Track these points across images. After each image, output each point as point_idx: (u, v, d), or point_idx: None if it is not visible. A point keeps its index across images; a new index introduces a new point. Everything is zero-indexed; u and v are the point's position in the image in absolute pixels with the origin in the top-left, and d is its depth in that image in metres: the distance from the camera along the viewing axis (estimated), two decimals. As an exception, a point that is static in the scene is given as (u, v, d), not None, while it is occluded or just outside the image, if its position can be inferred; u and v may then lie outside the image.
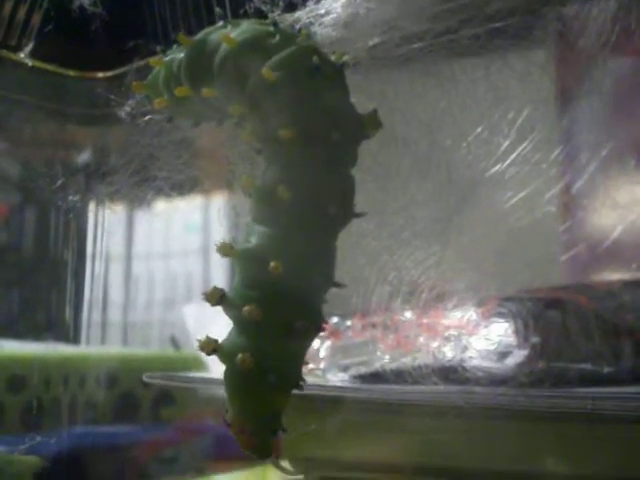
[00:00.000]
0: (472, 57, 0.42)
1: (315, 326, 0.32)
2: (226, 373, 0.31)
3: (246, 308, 0.30)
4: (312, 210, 0.31)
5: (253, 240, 0.32)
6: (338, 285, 0.33)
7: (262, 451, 0.32)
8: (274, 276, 0.30)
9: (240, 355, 0.30)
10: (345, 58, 0.33)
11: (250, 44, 0.33)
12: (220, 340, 0.31)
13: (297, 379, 0.32)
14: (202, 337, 0.31)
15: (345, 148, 0.32)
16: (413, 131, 0.41)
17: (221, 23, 0.35)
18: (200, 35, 0.35)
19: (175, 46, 0.35)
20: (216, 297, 0.31)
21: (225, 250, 0.32)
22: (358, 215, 0.32)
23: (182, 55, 0.34)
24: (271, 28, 0.33)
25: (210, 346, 0.31)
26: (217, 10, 0.35)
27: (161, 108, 0.37)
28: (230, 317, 0.32)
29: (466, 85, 0.41)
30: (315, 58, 0.32)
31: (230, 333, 0.32)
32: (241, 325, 0.31)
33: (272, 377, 0.31)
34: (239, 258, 0.32)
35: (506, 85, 0.41)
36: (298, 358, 0.32)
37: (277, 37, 0.33)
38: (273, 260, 0.30)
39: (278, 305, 0.31)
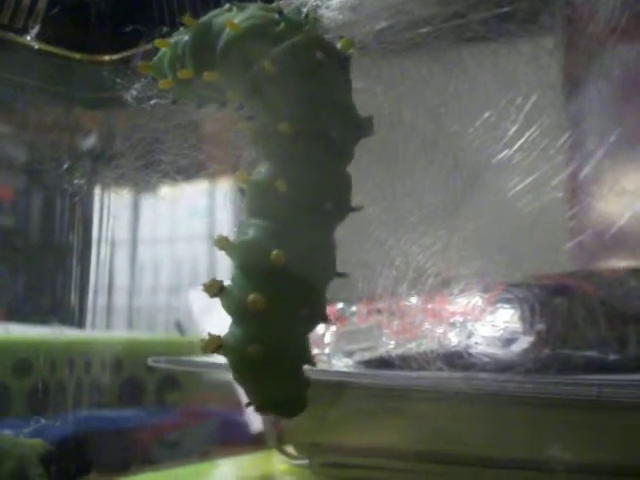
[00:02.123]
0: (480, 42, 0.41)
1: (319, 314, 0.32)
2: (235, 365, 0.31)
3: (251, 297, 0.30)
4: (309, 204, 0.31)
5: (250, 233, 0.31)
6: (342, 275, 0.33)
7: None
8: (276, 266, 0.30)
9: (250, 347, 0.30)
10: (351, 51, 0.33)
11: (254, 31, 0.33)
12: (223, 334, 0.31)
13: (308, 358, 0.32)
14: (203, 336, 0.31)
15: (342, 145, 0.32)
16: (420, 116, 0.41)
17: (227, 6, 0.34)
18: (206, 18, 0.34)
19: (181, 28, 0.35)
20: (216, 288, 0.31)
21: (222, 243, 0.32)
22: (354, 209, 0.32)
23: (187, 37, 0.34)
24: (276, 15, 0.33)
25: (214, 343, 0.31)
26: None
27: (165, 89, 0.37)
28: (228, 309, 0.32)
29: (474, 70, 0.41)
30: (319, 54, 0.32)
31: (230, 327, 0.32)
32: (243, 316, 0.31)
33: (284, 363, 0.31)
34: (237, 251, 0.32)
35: (514, 70, 0.41)
36: (305, 341, 0.33)
37: (282, 25, 0.33)
38: (274, 250, 0.30)
39: (282, 294, 0.31)
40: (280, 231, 0.31)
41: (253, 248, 0.31)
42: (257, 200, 0.32)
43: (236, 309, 0.31)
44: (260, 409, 0.32)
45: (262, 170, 0.32)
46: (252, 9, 0.34)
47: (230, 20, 0.33)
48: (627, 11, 0.37)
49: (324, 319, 0.32)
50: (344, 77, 0.33)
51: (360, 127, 0.33)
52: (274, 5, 0.34)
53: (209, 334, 0.31)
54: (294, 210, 0.31)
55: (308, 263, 0.32)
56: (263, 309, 0.30)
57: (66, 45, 0.53)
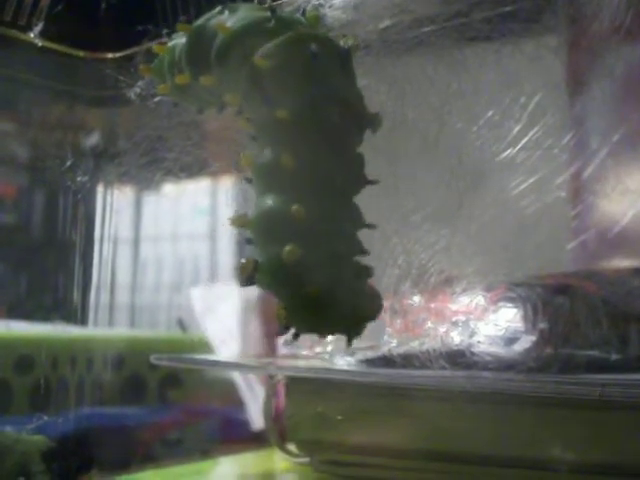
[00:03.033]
0: (483, 41, 0.41)
1: (358, 250, 0.32)
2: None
3: (286, 249, 0.30)
4: (318, 176, 0.31)
5: (266, 204, 0.31)
6: (369, 226, 0.33)
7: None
8: (299, 219, 0.30)
9: (307, 288, 0.30)
10: (351, 42, 0.33)
11: (245, 32, 0.33)
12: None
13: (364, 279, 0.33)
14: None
15: (346, 129, 0.32)
16: (424, 115, 0.41)
17: (219, 8, 0.34)
18: (200, 21, 0.34)
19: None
20: (251, 265, 0.31)
21: (240, 221, 0.32)
22: (371, 182, 0.32)
23: (183, 42, 0.35)
24: (268, 13, 0.33)
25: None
26: None
27: (164, 94, 0.37)
28: (267, 282, 0.31)
29: (477, 69, 0.41)
30: (313, 45, 0.32)
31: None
32: (285, 277, 0.31)
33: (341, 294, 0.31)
34: (257, 221, 0.32)
35: (517, 69, 0.41)
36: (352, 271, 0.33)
37: (273, 22, 0.33)
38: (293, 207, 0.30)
39: (313, 241, 0.31)
40: (294, 198, 0.31)
41: (273, 213, 0.31)
42: (265, 179, 0.32)
43: (274, 276, 0.31)
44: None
45: (265, 153, 0.32)
46: (244, 10, 0.34)
47: (222, 24, 0.33)
48: (631, 10, 0.37)
49: (364, 252, 0.33)
50: (345, 69, 0.33)
51: (365, 117, 0.33)
52: (266, 5, 0.34)
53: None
54: (304, 182, 0.31)
55: (328, 219, 0.31)
56: (300, 258, 0.30)
57: (69, 42, 0.53)
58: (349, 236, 0.32)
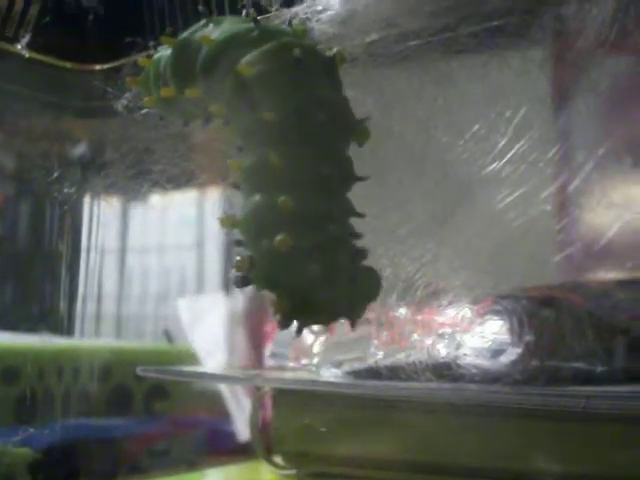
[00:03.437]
0: (470, 55, 0.42)
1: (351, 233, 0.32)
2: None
3: (279, 238, 0.30)
4: (305, 172, 0.31)
5: (253, 203, 0.31)
6: (359, 215, 0.32)
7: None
8: (286, 210, 0.30)
9: (307, 268, 0.30)
10: (335, 50, 0.33)
11: (229, 43, 0.33)
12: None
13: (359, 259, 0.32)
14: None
15: (332, 129, 0.32)
16: (410, 128, 0.41)
17: (204, 22, 0.35)
18: (184, 34, 0.34)
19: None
20: (247, 263, 0.31)
21: (230, 221, 0.32)
22: (360, 179, 0.32)
23: (168, 55, 0.35)
24: (251, 25, 0.33)
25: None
26: (200, 8, 0.35)
27: (149, 107, 0.37)
28: (263, 278, 0.31)
29: (463, 83, 0.41)
30: (297, 51, 0.32)
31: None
32: (280, 266, 0.31)
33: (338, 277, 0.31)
34: (246, 220, 0.32)
35: (503, 83, 0.41)
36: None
37: (256, 33, 0.33)
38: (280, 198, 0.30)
39: (304, 230, 0.31)
40: (282, 193, 0.31)
41: (261, 209, 0.31)
42: (253, 180, 0.32)
43: (269, 269, 0.31)
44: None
45: (252, 155, 0.32)
46: (228, 22, 0.34)
47: (206, 36, 0.33)
48: (615, 25, 0.37)
49: (357, 235, 0.32)
50: (330, 76, 0.33)
51: (352, 121, 0.33)
52: (250, 17, 0.34)
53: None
54: (290, 178, 0.31)
55: (317, 207, 0.31)
56: (290, 247, 0.30)
57: (57, 54, 0.53)
58: (339, 221, 0.32)
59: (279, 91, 0.31)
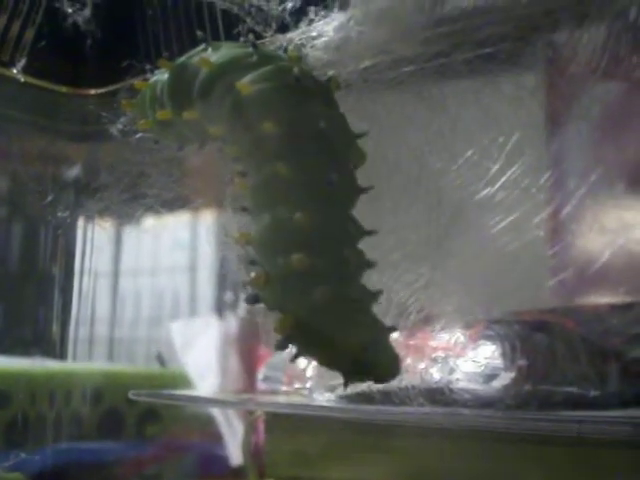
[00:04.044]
0: (463, 81, 0.42)
1: (364, 260, 0.32)
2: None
3: (295, 257, 0.30)
4: (314, 182, 0.31)
5: (266, 219, 0.31)
6: (370, 233, 0.33)
7: None
8: (303, 228, 0.30)
9: (316, 291, 0.30)
10: (330, 73, 0.34)
11: (228, 65, 0.33)
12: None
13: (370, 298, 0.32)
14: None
15: (333, 140, 0.32)
16: (404, 153, 0.41)
17: (203, 46, 0.35)
18: (182, 59, 0.35)
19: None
20: (263, 278, 0.31)
21: (244, 238, 0.32)
22: (365, 190, 0.33)
23: (165, 78, 0.35)
24: (250, 49, 0.33)
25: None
26: (199, 33, 0.35)
27: (144, 130, 0.37)
28: (275, 299, 0.31)
29: (456, 109, 0.41)
30: (296, 70, 0.32)
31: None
32: (294, 284, 0.31)
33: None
34: (262, 235, 0.32)
35: (496, 109, 0.41)
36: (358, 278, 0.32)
37: (255, 57, 0.33)
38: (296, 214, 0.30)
39: (320, 248, 0.31)
40: (295, 207, 0.31)
41: (275, 225, 0.31)
42: (262, 196, 0.32)
43: (283, 286, 0.31)
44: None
45: (258, 172, 0.32)
46: (226, 47, 0.34)
47: (205, 58, 0.33)
48: (606, 53, 0.38)
49: (370, 265, 0.33)
50: (326, 95, 0.33)
51: (350, 134, 0.33)
52: (248, 42, 0.34)
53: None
54: (301, 190, 0.31)
55: (332, 225, 0.31)
56: (309, 265, 0.30)
57: (52, 78, 0.54)
58: (354, 243, 0.32)
59: (279, 107, 0.32)
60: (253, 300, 0.32)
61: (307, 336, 0.31)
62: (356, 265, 0.32)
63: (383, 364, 0.33)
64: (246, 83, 0.32)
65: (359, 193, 0.33)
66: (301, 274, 0.30)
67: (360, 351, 0.31)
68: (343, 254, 0.31)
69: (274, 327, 0.31)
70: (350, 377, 0.32)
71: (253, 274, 0.31)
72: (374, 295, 0.33)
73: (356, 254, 0.32)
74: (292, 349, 0.31)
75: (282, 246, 0.31)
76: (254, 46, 0.34)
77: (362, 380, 0.33)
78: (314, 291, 0.30)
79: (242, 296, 0.58)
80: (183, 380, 0.66)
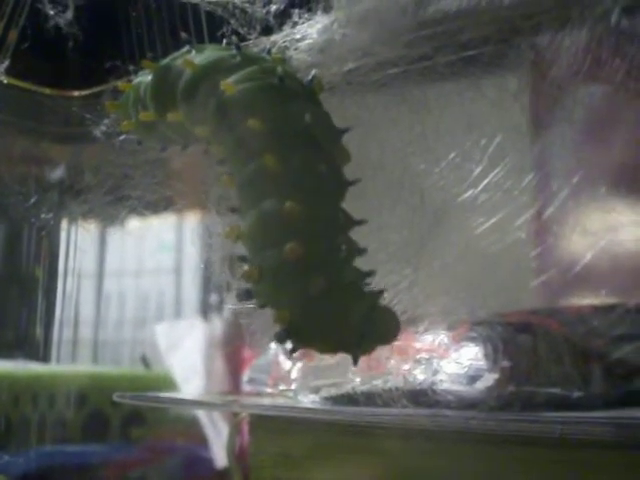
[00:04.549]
0: (446, 83, 0.42)
1: (355, 247, 0.32)
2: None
3: (288, 246, 0.30)
4: (302, 173, 0.31)
5: (256, 213, 0.31)
6: (360, 222, 0.33)
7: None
8: (294, 218, 0.30)
9: (311, 281, 0.30)
10: (313, 72, 0.34)
11: (211, 67, 0.33)
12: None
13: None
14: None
15: (318, 134, 0.32)
16: (387, 155, 0.41)
17: (186, 48, 0.35)
18: (165, 60, 0.35)
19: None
20: (257, 272, 0.31)
21: (234, 233, 0.32)
22: (352, 183, 0.33)
23: (148, 79, 0.35)
24: (233, 51, 0.33)
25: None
26: (183, 35, 0.35)
27: (128, 131, 0.37)
28: (269, 292, 0.31)
29: (440, 111, 0.41)
30: (279, 69, 0.32)
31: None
32: (287, 274, 0.30)
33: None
34: (253, 230, 0.31)
35: (479, 112, 0.41)
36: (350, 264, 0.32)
37: (238, 59, 0.33)
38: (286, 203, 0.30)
39: (312, 235, 0.31)
40: (284, 197, 0.31)
41: (266, 217, 0.31)
42: (250, 191, 0.32)
43: (276, 279, 0.31)
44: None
45: (245, 168, 0.32)
46: (210, 49, 0.34)
47: (189, 60, 0.33)
48: (589, 56, 0.38)
49: (361, 251, 0.33)
50: (310, 96, 0.33)
51: (335, 131, 0.33)
52: (232, 44, 0.34)
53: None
54: (289, 181, 0.31)
55: (323, 214, 0.31)
56: (302, 254, 0.30)
57: (36, 80, 0.53)
58: (345, 231, 0.32)
59: (264, 105, 0.32)
60: (245, 296, 0.32)
61: (306, 327, 0.31)
62: (348, 251, 0.32)
63: (386, 326, 0.33)
64: (230, 83, 0.32)
65: (347, 186, 0.33)
66: (294, 264, 0.30)
67: (362, 325, 0.31)
68: (336, 241, 0.31)
69: (274, 318, 0.31)
70: (358, 352, 0.32)
71: (245, 268, 0.31)
72: (367, 275, 0.33)
73: (348, 241, 0.32)
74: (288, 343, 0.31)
75: (273, 238, 0.31)
76: (238, 48, 0.34)
77: (371, 350, 0.33)
78: (309, 281, 0.30)
79: (227, 298, 0.58)
80: (168, 382, 0.66)
